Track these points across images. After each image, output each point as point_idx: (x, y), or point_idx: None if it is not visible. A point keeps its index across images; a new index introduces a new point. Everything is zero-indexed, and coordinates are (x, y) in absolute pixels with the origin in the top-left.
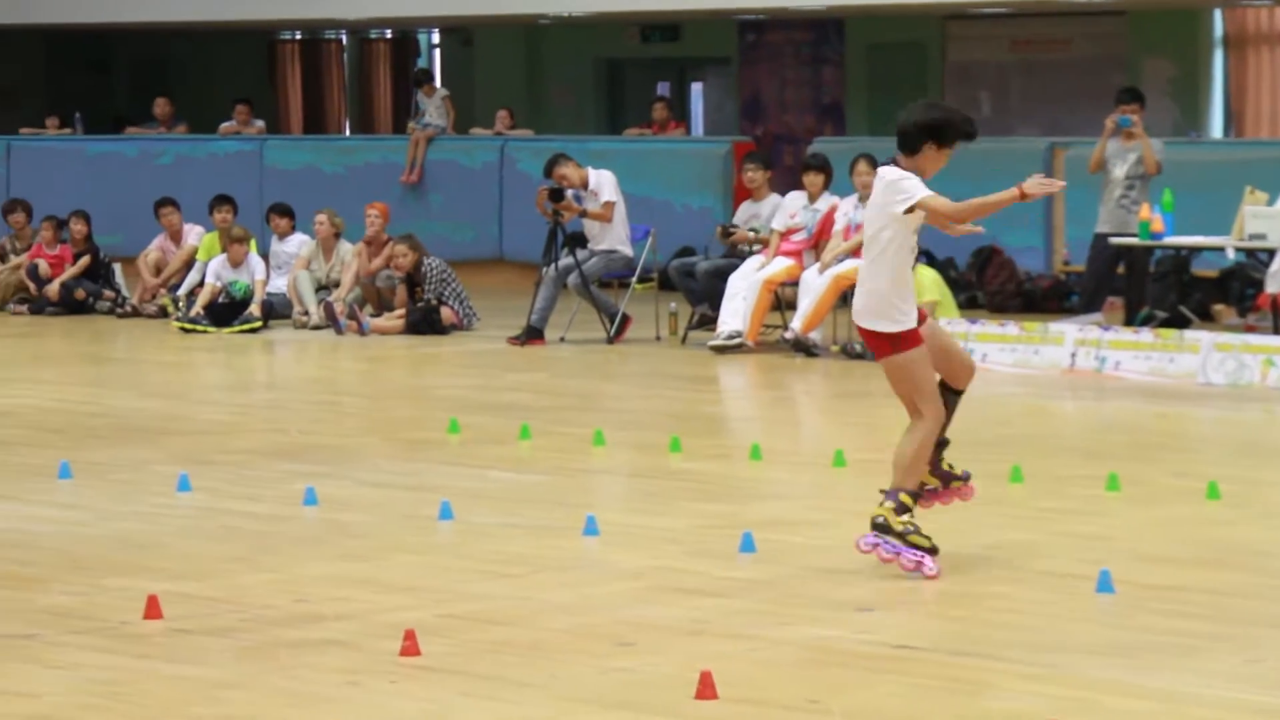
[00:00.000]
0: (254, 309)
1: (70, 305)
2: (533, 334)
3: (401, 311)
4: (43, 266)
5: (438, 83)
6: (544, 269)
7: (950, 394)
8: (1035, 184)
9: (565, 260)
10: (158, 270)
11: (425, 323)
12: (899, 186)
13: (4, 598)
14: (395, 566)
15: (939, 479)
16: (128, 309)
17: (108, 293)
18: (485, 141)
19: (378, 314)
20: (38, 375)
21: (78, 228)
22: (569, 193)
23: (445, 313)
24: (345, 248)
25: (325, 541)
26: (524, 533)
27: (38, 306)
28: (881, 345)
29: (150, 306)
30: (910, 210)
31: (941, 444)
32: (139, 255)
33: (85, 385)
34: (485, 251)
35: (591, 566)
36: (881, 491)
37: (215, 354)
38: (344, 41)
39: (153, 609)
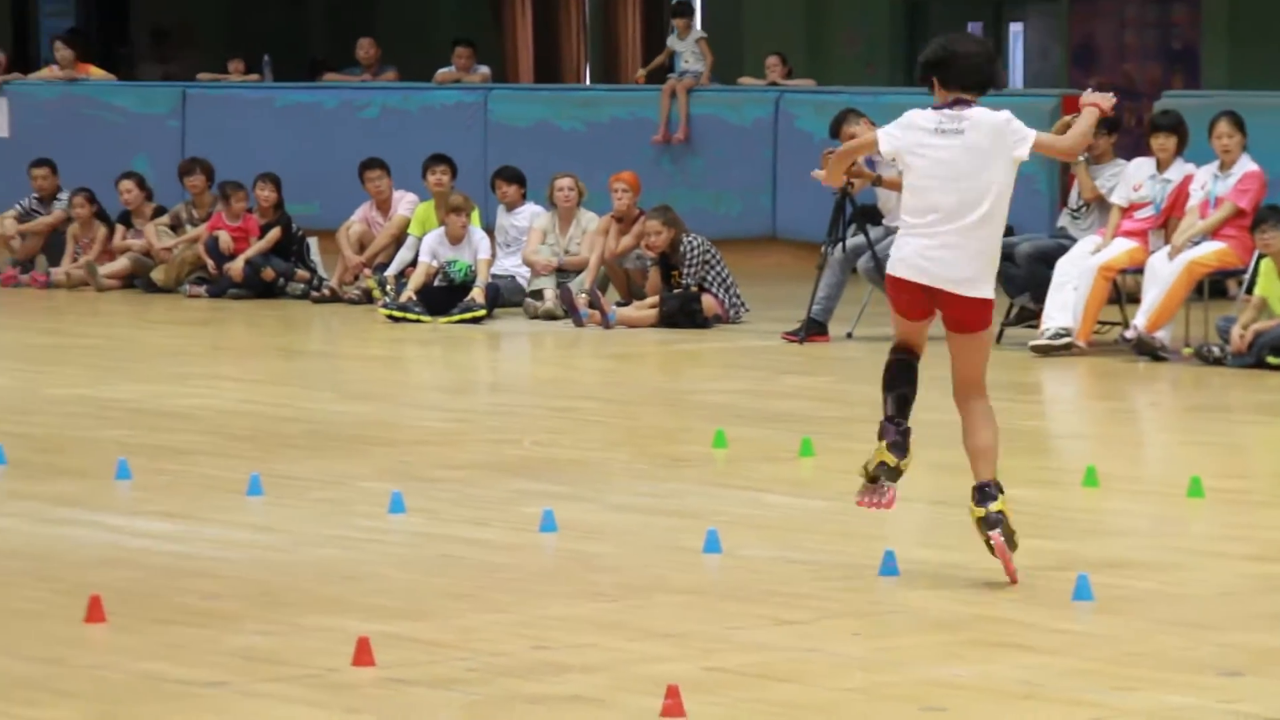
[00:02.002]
0: (476, 294)
1: (256, 287)
2: (814, 328)
3: (654, 300)
4: (224, 240)
5: (697, 23)
6: (828, 250)
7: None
8: (1100, 95)
9: (855, 239)
10: (361, 246)
11: (683, 313)
12: (1013, 128)
13: (187, 637)
14: (652, 608)
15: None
16: (325, 292)
17: (301, 272)
18: (756, 93)
19: (625, 302)
20: (219, 371)
21: (265, 194)
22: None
23: (707, 301)
24: (587, 216)
25: (567, 576)
26: (807, 570)
27: (218, 288)
28: (985, 315)
29: (352, 289)
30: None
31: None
32: (339, 228)
33: (276, 384)
34: (756, 228)
35: (890, 613)
36: (980, 489)
37: (430, 348)
38: None
39: (363, 654)
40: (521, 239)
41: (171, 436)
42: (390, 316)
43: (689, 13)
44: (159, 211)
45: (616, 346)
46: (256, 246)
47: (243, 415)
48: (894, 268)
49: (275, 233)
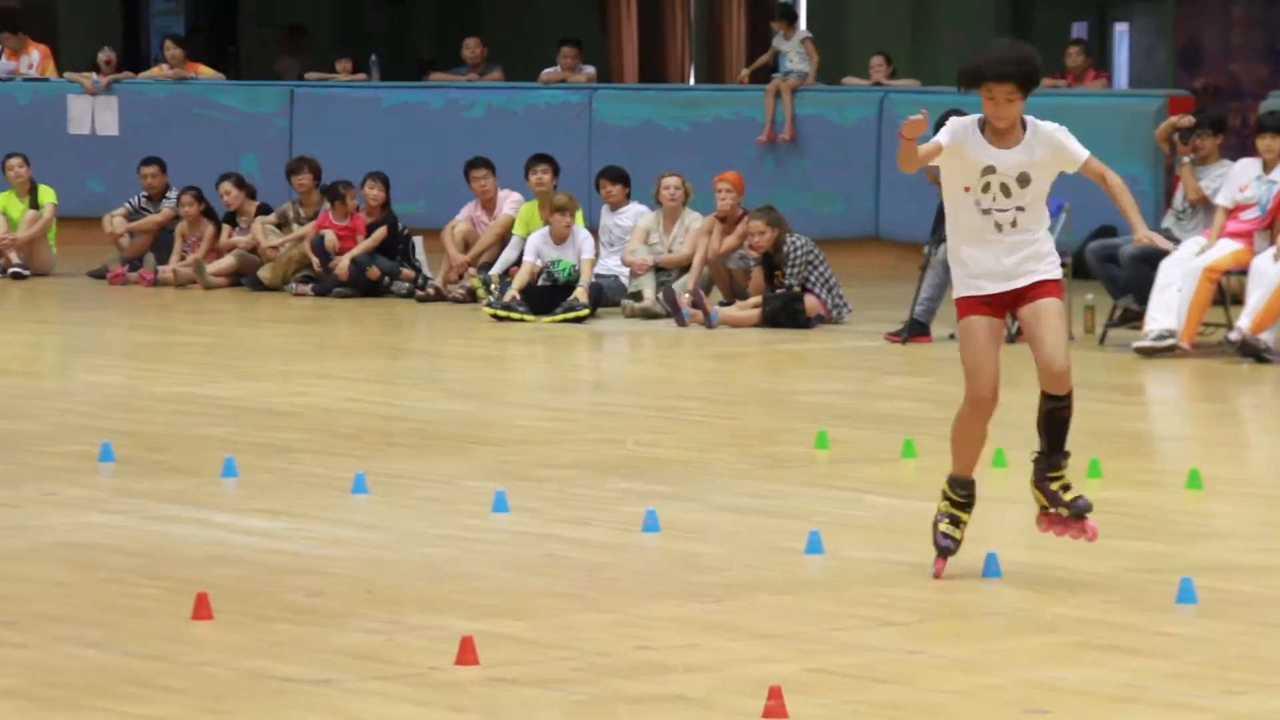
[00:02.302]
0: (580, 294)
1: (362, 286)
2: (917, 329)
3: (757, 300)
4: (330, 239)
5: (802, 23)
6: (931, 250)
7: (1042, 397)
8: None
9: None
10: (467, 245)
11: (785, 313)
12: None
13: (292, 635)
14: (754, 609)
15: (1045, 498)
16: (430, 291)
17: (406, 271)
18: (860, 93)
19: (728, 302)
20: (324, 369)
21: (374, 193)
22: None
23: (810, 302)
24: (691, 216)
25: (669, 576)
26: (909, 572)
27: (324, 286)
28: None
29: (457, 289)
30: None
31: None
32: (444, 227)
33: (380, 382)
34: (859, 228)
35: (993, 615)
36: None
37: (534, 347)
38: None
39: (467, 653)
40: (625, 238)
41: (277, 434)
42: (494, 315)
43: (789, 15)
44: (264, 210)
45: (719, 346)
46: (362, 245)
47: (348, 413)
48: None
49: (381, 232)
